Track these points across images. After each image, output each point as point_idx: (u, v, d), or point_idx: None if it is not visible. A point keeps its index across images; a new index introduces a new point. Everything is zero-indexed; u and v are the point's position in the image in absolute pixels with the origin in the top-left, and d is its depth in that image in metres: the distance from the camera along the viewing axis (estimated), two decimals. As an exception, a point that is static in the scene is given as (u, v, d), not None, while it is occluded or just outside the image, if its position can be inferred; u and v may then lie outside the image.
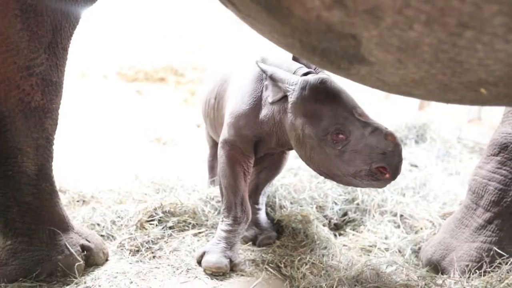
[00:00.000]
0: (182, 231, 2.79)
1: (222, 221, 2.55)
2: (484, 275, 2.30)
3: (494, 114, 5.32)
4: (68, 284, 2.17)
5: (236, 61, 2.85)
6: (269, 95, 2.40)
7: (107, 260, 2.46)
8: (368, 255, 2.73)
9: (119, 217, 2.83)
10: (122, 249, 2.56)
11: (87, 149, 4.52)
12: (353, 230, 3.05)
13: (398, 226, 3.04)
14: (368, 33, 1.15)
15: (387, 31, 1.11)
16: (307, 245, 2.71)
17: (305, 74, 2.33)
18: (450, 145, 4.75)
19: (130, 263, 2.43)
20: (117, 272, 2.31)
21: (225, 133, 2.57)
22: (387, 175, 2.02)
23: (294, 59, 2.51)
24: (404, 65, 1.22)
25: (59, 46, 2.08)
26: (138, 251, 2.55)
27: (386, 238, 2.90)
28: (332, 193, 3.22)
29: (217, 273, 2.39)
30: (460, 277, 2.35)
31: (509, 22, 1.00)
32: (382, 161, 1.99)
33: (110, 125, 5.51)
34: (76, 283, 2.18)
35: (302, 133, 2.21)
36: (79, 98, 6.33)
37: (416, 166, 4.06)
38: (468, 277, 2.32)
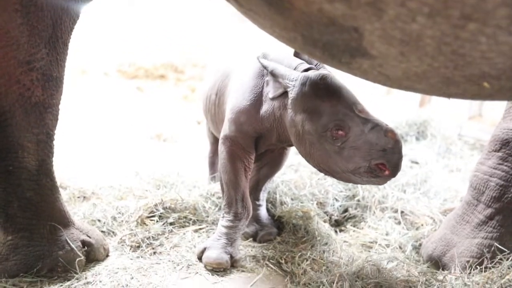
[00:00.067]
0: (183, 227, 2.79)
1: (222, 217, 2.55)
2: (485, 271, 2.30)
3: (495, 110, 5.32)
4: (68, 280, 2.17)
5: (237, 57, 2.84)
6: (270, 91, 2.39)
7: (108, 255, 2.46)
8: (369, 251, 2.72)
9: (119, 213, 2.82)
10: (122, 245, 2.56)
11: (87, 145, 4.52)
12: (354, 226, 3.05)
13: (399, 223, 3.04)
14: (371, 25, 1.15)
15: (389, 23, 1.10)
16: (307, 241, 2.71)
17: (306, 70, 2.32)
18: (451, 141, 4.75)
19: (131, 259, 2.43)
20: (118, 268, 2.31)
21: (226, 129, 2.56)
22: (387, 172, 2.00)
23: (296, 55, 2.50)
24: (406, 58, 1.21)
25: (59, 41, 2.07)
26: (138, 247, 2.55)
27: (387, 234, 2.90)
28: (333, 189, 3.22)
29: (217, 269, 2.39)
30: (461, 273, 2.35)
31: (512, 14, 0.99)
32: (381, 158, 1.97)
33: (111, 122, 5.51)
34: (77, 279, 2.18)
35: (302, 129, 2.20)
36: (79, 95, 6.33)
37: (417, 162, 4.06)
38: (469, 273, 2.32)
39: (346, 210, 3.18)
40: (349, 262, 2.44)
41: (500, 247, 2.35)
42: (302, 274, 2.35)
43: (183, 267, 2.40)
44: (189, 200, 2.94)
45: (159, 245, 2.58)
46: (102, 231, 2.65)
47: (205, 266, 2.41)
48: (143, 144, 4.88)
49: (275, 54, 2.50)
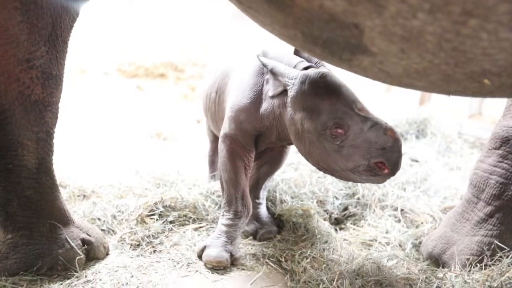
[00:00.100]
0: (183, 225, 2.79)
1: (222, 215, 2.55)
2: (485, 269, 2.30)
3: (494, 109, 5.33)
4: (68, 278, 2.17)
5: (237, 55, 2.84)
6: (270, 89, 2.39)
7: (107, 254, 2.46)
8: (369, 249, 2.73)
9: (119, 211, 2.82)
10: (122, 243, 2.56)
11: (87, 144, 4.52)
12: (354, 224, 3.05)
13: (399, 221, 3.04)
14: (371, 22, 1.14)
15: (390, 20, 1.10)
16: (307, 239, 2.71)
17: (306, 68, 2.32)
18: (451, 140, 4.75)
19: (131, 257, 2.43)
20: (118, 266, 2.31)
21: (225, 127, 2.56)
22: (386, 171, 1.99)
23: (296, 53, 2.50)
24: (407, 55, 1.21)
25: (59, 39, 2.07)
26: (138, 245, 2.55)
27: (386, 232, 2.90)
28: (333, 187, 3.22)
29: (217, 267, 2.39)
30: (461, 270, 2.35)
31: (513, 10, 0.99)
32: (380, 156, 1.97)
33: (111, 121, 5.51)
34: (77, 277, 2.18)
35: (301, 127, 2.20)
36: (79, 94, 6.33)
37: (416, 161, 4.06)
38: (469, 271, 2.32)
39: (346, 208, 3.18)
40: (349, 260, 2.44)
41: (500, 244, 2.35)
42: (302, 272, 2.35)
43: (183, 265, 2.40)
44: (189, 199, 2.93)
45: (159, 244, 2.58)
46: (102, 230, 2.65)
47: (205, 264, 2.41)
48: (143, 142, 4.88)
49: (275, 52, 2.49)
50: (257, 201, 2.88)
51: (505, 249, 2.33)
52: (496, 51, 1.10)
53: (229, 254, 2.43)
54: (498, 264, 2.27)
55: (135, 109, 6.20)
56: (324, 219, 3.01)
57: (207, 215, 2.91)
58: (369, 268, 2.35)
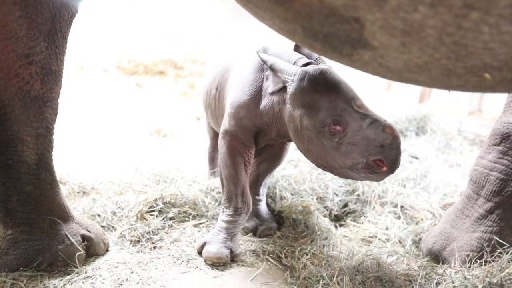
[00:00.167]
0: (183, 222, 2.79)
1: (222, 211, 2.55)
2: (484, 265, 2.30)
3: (494, 106, 5.33)
4: (68, 274, 2.17)
5: (237, 51, 2.83)
6: (269, 86, 2.38)
7: (107, 250, 2.46)
8: (369, 245, 2.73)
9: (119, 208, 2.82)
10: (122, 240, 2.56)
11: (87, 141, 4.51)
12: (354, 221, 3.05)
13: (399, 217, 3.04)
14: (372, 16, 1.14)
15: (391, 13, 1.09)
16: (307, 236, 2.71)
17: (305, 64, 2.31)
18: (451, 137, 4.75)
19: (131, 254, 2.43)
20: (118, 262, 2.31)
21: (225, 124, 2.55)
22: (385, 168, 1.98)
23: (296, 49, 2.49)
24: (408, 49, 1.20)
25: (58, 34, 2.06)
26: (138, 241, 2.55)
27: (386, 229, 2.90)
28: (333, 184, 3.22)
29: (217, 264, 2.39)
30: (461, 266, 2.35)
31: (515, 4, 0.99)
32: (379, 154, 1.96)
33: (110, 118, 5.50)
34: (77, 273, 2.18)
35: (300, 124, 2.19)
36: (78, 91, 6.32)
37: (416, 157, 4.06)
38: (469, 267, 2.32)
39: (346, 205, 3.18)
40: (349, 257, 2.45)
41: (500, 241, 2.35)
42: (302, 268, 2.36)
43: (183, 261, 2.41)
44: (189, 195, 2.94)
45: (159, 240, 2.58)
46: (102, 226, 2.65)
47: (205, 261, 2.42)
48: (142, 139, 4.87)
49: (275, 49, 2.49)
50: (257, 197, 2.88)
51: (505, 245, 2.33)
52: (497, 45, 1.09)
53: (229, 250, 2.43)
54: (498, 260, 2.28)
55: (134, 106, 6.19)
56: (324, 216, 3.01)
57: (207, 211, 2.91)
58: (369, 264, 2.36)
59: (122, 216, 2.75)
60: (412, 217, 3.03)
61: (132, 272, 2.24)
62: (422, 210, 3.07)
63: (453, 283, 2.21)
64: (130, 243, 2.53)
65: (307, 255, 2.48)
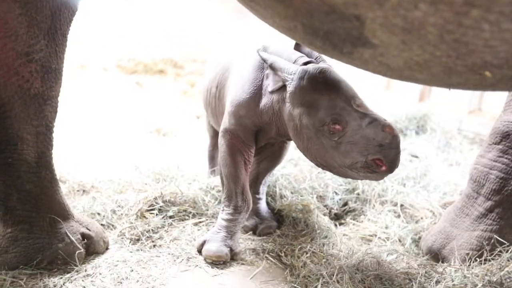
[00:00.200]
0: (183, 220, 2.79)
1: (222, 210, 2.55)
2: (484, 263, 2.31)
3: (494, 105, 5.33)
4: (68, 272, 2.17)
5: (238, 50, 2.83)
6: (269, 84, 2.38)
7: (107, 248, 2.46)
8: (369, 244, 2.73)
9: (119, 206, 2.82)
10: (122, 238, 2.56)
11: (87, 139, 4.51)
12: (354, 219, 3.05)
13: (399, 216, 3.04)
14: (373, 13, 1.14)
15: (392, 11, 1.09)
16: (307, 234, 2.71)
17: (305, 63, 2.30)
18: (451, 136, 4.76)
19: (131, 252, 2.43)
20: (117, 261, 2.31)
21: (225, 122, 2.55)
22: (384, 168, 1.98)
23: (296, 48, 2.49)
24: (408, 47, 1.20)
25: (58, 32, 2.06)
26: (138, 240, 2.55)
27: (386, 227, 2.91)
28: (333, 183, 3.22)
29: (217, 262, 2.39)
30: (461, 265, 2.35)
31: (516, 1, 0.98)
32: (378, 153, 1.95)
33: (110, 116, 5.50)
34: (77, 271, 2.18)
35: (300, 123, 2.19)
36: (78, 90, 6.31)
37: (416, 156, 4.06)
38: (469, 265, 2.33)
39: (345, 204, 3.18)
40: (348, 255, 2.45)
41: (499, 239, 2.35)
42: (302, 267, 2.36)
43: (182, 260, 2.41)
44: (189, 194, 2.93)
45: (158, 238, 2.58)
46: (101, 224, 2.65)
47: (205, 259, 2.42)
48: (142, 138, 4.87)
49: (275, 47, 2.48)
50: (257, 196, 2.88)
51: (504, 243, 2.34)
52: (497, 43, 1.09)
53: (228, 248, 2.43)
54: (497, 259, 2.28)
55: (134, 105, 6.19)
56: (324, 214, 3.01)
57: (207, 210, 2.91)
58: (368, 262, 2.36)
59: (122, 214, 2.75)
60: (412, 216, 3.03)
61: (132, 270, 2.24)
62: (422, 208, 3.07)
63: (452, 281, 2.21)
64: (130, 242, 2.53)
65: (307, 253, 2.48)
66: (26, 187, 2.12)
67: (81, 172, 3.48)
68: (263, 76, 2.46)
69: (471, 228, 2.46)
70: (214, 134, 3.47)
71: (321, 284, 2.17)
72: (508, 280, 2.13)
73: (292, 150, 3.43)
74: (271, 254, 2.53)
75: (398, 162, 2.01)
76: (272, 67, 2.32)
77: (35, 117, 2.07)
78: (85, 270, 2.20)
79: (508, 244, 2.33)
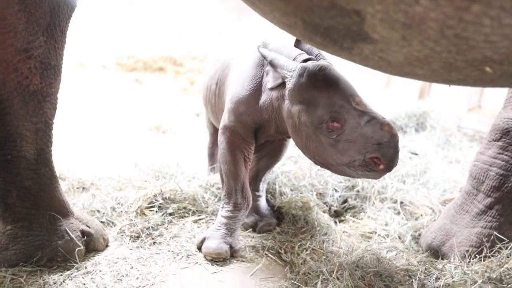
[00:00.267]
0: (182, 217, 2.79)
1: (222, 207, 2.55)
2: (484, 260, 2.30)
3: (494, 102, 5.32)
4: (68, 269, 2.17)
5: (238, 47, 2.83)
6: (269, 81, 2.38)
7: (107, 246, 2.46)
8: (368, 241, 2.73)
9: (119, 203, 2.82)
10: (122, 235, 2.56)
11: (87, 137, 4.51)
12: (353, 217, 3.05)
13: (398, 213, 3.04)
14: (373, 8, 1.13)
15: (392, 6, 1.08)
16: (307, 232, 2.71)
17: (305, 60, 2.30)
18: (450, 133, 4.76)
19: (131, 249, 2.43)
20: (117, 258, 2.31)
21: (225, 119, 2.55)
22: (382, 166, 1.97)
23: (296, 45, 2.48)
24: (408, 43, 1.20)
25: (57, 28, 2.05)
26: (138, 237, 2.55)
27: (386, 224, 2.91)
28: (332, 180, 3.22)
29: (217, 259, 2.39)
30: (460, 262, 2.35)
31: (517, -4, 0.98)
32: (376, 151, 1.94)
33: (110, 114, 5.49)
34: (77, 268, 2.18)
35: (298, 120, 2.18)
36: (78, 87, 6.30)
37: (416, 154, 4.06)
38: (468, 262, 2.33)
39: (345, 201, 3.18)
40: (348, 252, 2.45)
41: (499, 236, 2.35)
42: (301, 264, 2.36)
43: (182, 257, 2.41)
44: (189, 191, 2.93)
45: (158, 236, 2.58)
46: (101, 222, 2.65)
47: (204, 256, 2.42)
48: (142, 135, 4.87)
49: (275, 44, 2.48)
50: (256, 193, 2.88)
51: (504, 240, 2.33)
52: (498, 38, 1.09)
53: (228, 246, 2.43)
54: (497, 256, 2.28)
55: (134, 103, 6.18)
56: (324, 212, 3.01)
57: (207, 207, 2.91)
58: (368, 259, 2.35)
59: (121, 211, 2.75)
60: (411, 213, 3.03)
61: (132, 267, 2.24)
62: (421, 206, 3.07)
63: (452, 278, 2.21)
64: (130, 239, 2.53)
65: (306, 250, 2.48)
66: (25, 184, 2.12)
67: (81, 169, 3.47)
68: (263, 73, 2.45)
69: (470, 225, 2.46)
70: (214, 131, 3.46)
71: (321, 281, 2.17)
72: (508, 276, 2.13)
73: (291, 148, 3.43)
74: (271, 251, 2.53)
75: (397, 161, 2.00)
76: (272, 64, 2.32)
77: (34, 113, 2.07)
78: (85, 267, 2.20)
79: (507, 240, 2.33)
